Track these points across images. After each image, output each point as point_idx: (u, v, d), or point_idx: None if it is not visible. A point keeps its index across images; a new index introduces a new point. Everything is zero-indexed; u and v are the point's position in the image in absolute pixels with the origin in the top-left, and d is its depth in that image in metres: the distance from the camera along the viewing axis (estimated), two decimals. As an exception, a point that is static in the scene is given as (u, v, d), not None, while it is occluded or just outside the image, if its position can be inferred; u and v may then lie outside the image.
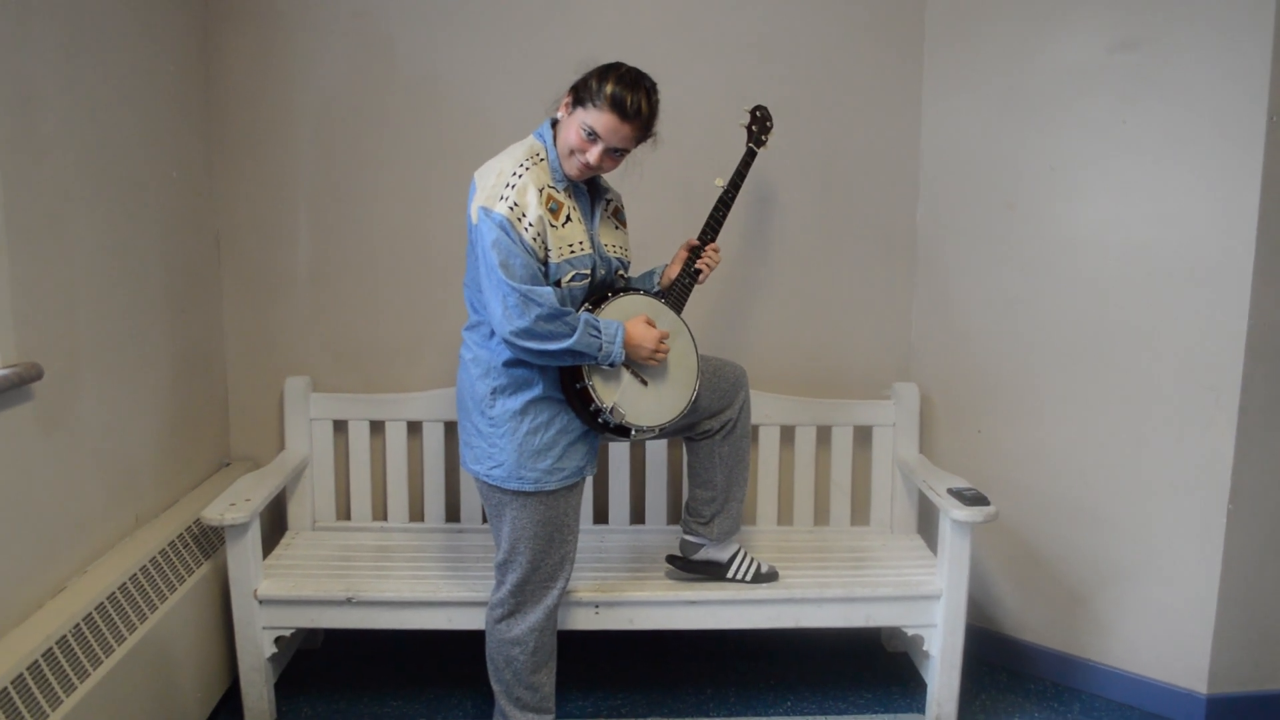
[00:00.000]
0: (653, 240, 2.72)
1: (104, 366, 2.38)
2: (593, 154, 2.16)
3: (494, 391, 2.26)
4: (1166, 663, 2.79)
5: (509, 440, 2.25)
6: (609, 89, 2.12)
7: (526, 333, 2.10)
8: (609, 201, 2.40)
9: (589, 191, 2.32)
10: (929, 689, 2.72)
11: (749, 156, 2.60)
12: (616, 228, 2.40)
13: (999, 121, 2.90)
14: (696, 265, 2.47)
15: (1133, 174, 2.67)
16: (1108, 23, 2.66)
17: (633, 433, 2.30)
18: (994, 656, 3.09)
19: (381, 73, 2.99)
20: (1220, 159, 2.53)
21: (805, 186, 3.09)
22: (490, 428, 2.27)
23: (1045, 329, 2.88)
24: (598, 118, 2.12)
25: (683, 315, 2.43)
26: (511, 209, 2.11)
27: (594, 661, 3.04)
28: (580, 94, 2.17)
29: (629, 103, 2.12)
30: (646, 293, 2.39)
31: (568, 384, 2.25)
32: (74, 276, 2.25)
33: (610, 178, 2.41)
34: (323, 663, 3.05)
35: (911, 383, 3.10)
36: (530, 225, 2.12)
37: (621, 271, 2.40)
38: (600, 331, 2.17)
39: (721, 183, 2.55)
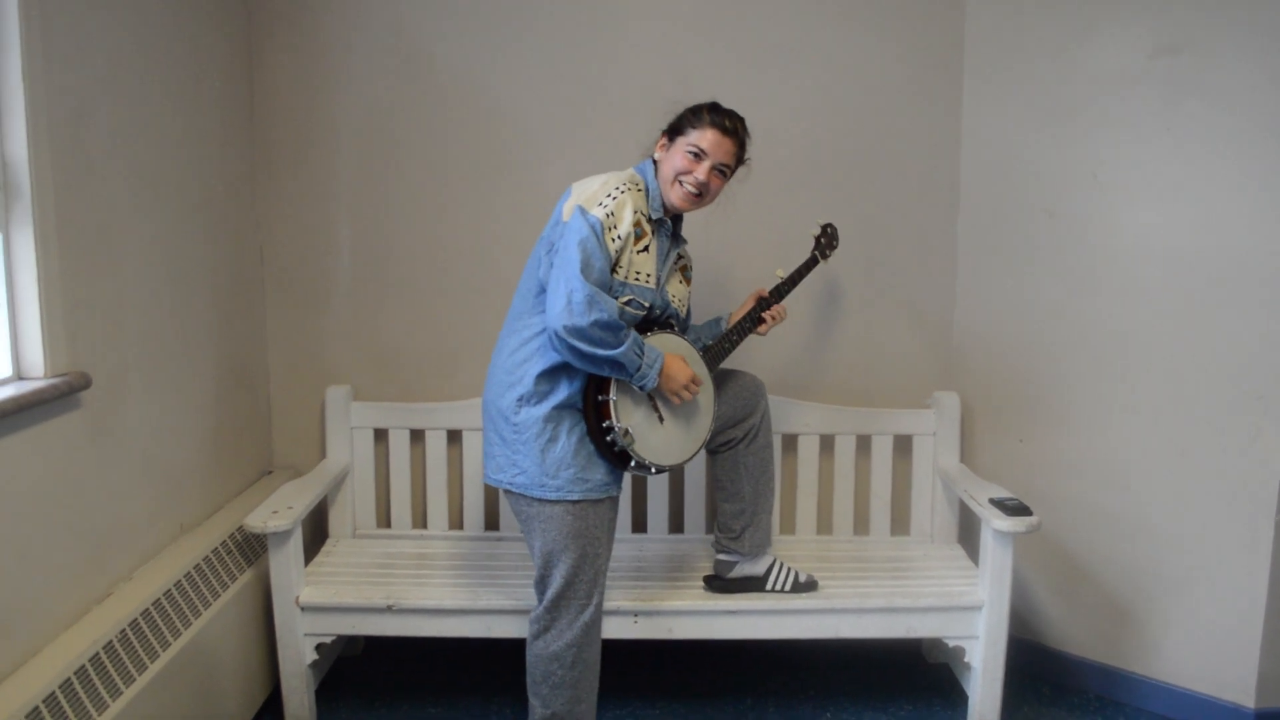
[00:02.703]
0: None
1: (150, 376, 2.42)
2: (701, 170, 2.30)
3: (520, 400, 2.28)
4: (1213, 676, 2.74)
5: (531, 447, 2.26)
6: (706, 115, 2.32)
7: (579, 332, 2.12)
8: (680, 257, 2.50)
9: (670, 237, 2.42)
10: (970, 701, 2.69)
11: (811, 263, 2.75)
12: (681, 281, 2.50)
13: (1040, 128, 2.87)
14: (762, 315, 2.60)
15: (1176, 179, 2.63)
16: (1149, 27, 2.63)
17: (633, 463, 2.30)
18: (1036, 669, 3.04)
19: (421, 88, 3.02)
20: (1265, 163, 2.49)
21: (845, 193, 3.08)
22: (514, 434, 2.29)
23: (1088, 337, 2.84)
24: (702, 135, 2.30)
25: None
26: (608, 216, 2.20)
27: (632, 671, 3.03)
28: (678, 126, 2.36)
29: (727, 122, 2.32)
30: (690, 341, 2.46)
31: (590, 395, 2.27)
32: (122, 288, 2.29)
33: (694, 227, 2.46)
34: (363, 670, 3.07)
35: (953, 391, 3.07)
36: (618, 238, 2.21)
37: (673, 321, 2.46)
38: (644, 353, 2.21)
39: (782, 274, 2.68)
